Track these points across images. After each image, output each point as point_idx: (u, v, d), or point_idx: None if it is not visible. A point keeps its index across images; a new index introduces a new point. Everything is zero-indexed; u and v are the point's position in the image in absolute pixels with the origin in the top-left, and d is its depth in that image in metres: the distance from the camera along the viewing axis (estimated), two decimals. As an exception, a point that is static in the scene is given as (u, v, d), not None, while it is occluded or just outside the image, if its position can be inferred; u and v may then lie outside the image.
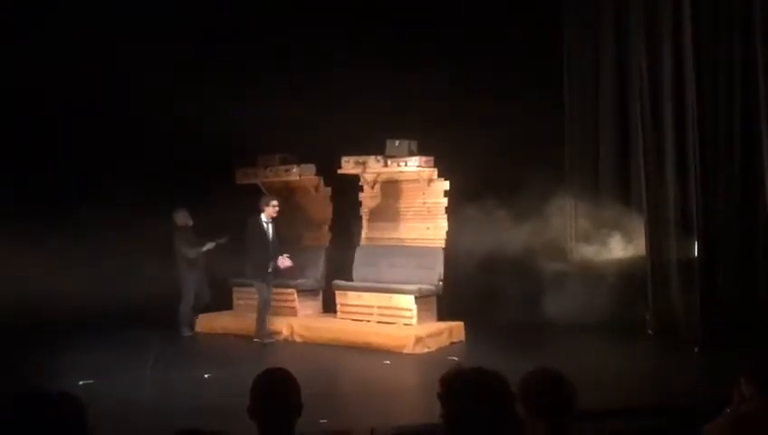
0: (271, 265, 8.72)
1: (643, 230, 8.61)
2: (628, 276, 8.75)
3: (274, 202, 8.89)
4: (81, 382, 6.46)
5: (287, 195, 10.21)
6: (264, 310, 8.72)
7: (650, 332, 8.48)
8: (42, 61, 8.75)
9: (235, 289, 9.94)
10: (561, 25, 9.79)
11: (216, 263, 9.39)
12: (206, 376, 6.99)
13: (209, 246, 9.23)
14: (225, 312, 9.83)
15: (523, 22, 9.20)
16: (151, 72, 8.65)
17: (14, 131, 9.08)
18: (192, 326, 9.43)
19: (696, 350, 7.51)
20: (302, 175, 9.74)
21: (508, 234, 8.63)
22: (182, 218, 9.33)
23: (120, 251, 9.11)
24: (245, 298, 9.79)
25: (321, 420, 5.07)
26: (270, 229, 8.83)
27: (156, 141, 9.58)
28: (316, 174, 9.89)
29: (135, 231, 9.03)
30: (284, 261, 8.73)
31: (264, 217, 8.81)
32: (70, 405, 2.02)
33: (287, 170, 9.77)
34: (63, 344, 7.99)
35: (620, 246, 8.84)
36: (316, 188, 10.05)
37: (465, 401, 2.19)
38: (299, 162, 9.73)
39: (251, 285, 9.41)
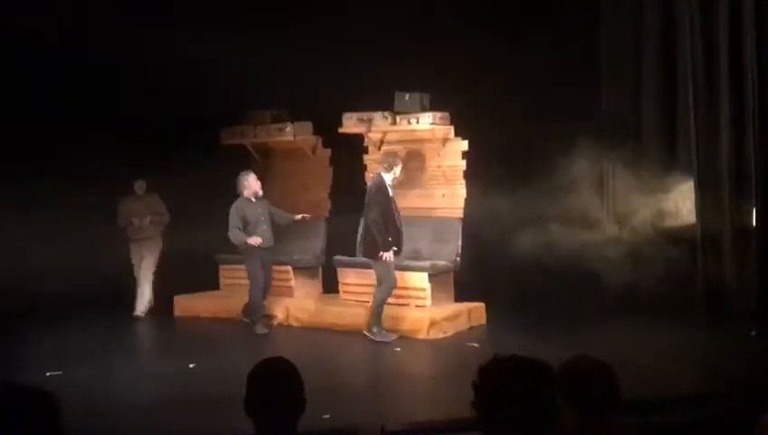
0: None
1: (692, 195, 8.59)
2: (675, 248, 8.73)
3: (400, 163, 8.37)
4: (48, 374, 6.54)
5: (280, 158, 10.21)
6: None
7: (700, 310, 8.50)
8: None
9: (222, 267, 9.98)
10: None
11: (201, 236, 9.40)
12: (190, 366, 7.07)
13: (254, 240, 8.57)
14: (209, 292, 9.89)
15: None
16: (121, 14, 8.61)
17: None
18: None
19: (753, 333, 7.54)
20: (297, 135, 9.72)
21: (536, 202, 8.61)
22: (250, 185, 8.71)
23: (88, 224, 9.14)
24: (233, 277, 9.84)
25: (324, 416, 5.13)
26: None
27: (129, 96, 9.56)
28: (313, 133, 9.87)
29: (100, 202, 9.12)
30: None
31: (388, 179, 8.24)
32: (42, 402, 2.03)
33: (280, 130, 9.74)
34: (28, 330, 8.08)
35: (666, 214, 8.82)
36: (314, 150, 10.03)
37: (508, 395, 2.25)
38: (293, 120, 9.70)
39: (239, 263, 9.47)
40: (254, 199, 8.74)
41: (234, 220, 8.60)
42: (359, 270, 8.96)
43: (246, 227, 8.63)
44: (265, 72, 8.83)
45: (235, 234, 8.60)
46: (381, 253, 7.95)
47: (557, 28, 8.95)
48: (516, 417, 2.23)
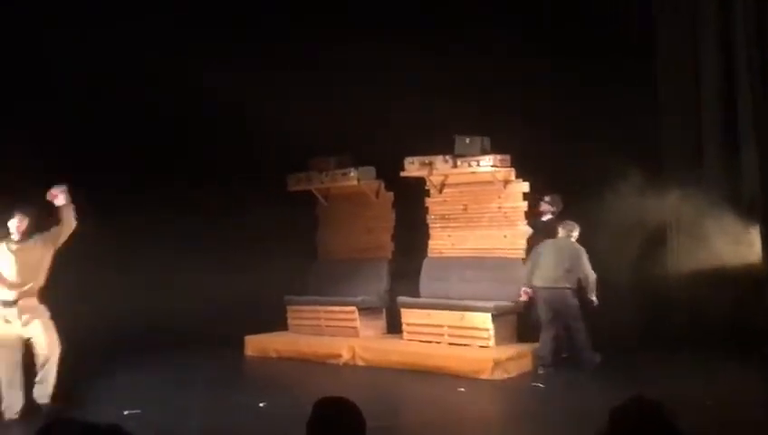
0: None
1: (758, 232, 8.36)
2: (742, 286, 8.48)
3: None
4: (126, 412, 6.67)
5: (344, 202, 10.34)
6: None
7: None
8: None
9: (289, 308, 10.10)
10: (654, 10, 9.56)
11: (269, 276, 9.56)
12: (260, 405, 7.12)
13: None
14: (278, 333, 10.00)
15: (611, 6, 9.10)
16: (190, 67, 8.91)
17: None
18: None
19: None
20: (360, 179, 9.83)
21: (598, 241, 8.48)
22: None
23: (166, 264, 9.41)
24: (301, 318, 9.95)
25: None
26: None
27: (198, 143, 9.88)
28: (376, 178, 9.97)
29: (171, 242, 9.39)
30: None
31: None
32: None
33: (344, 174, 9.88)
34: (102, 368, 8.28)
35: (731, 252, 8.58)
36: (377, 194, 10.12)
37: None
38: (357, 165, 9.83)
39: (306, 304, 9.67)
40: None
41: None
42: (421, 310, 8.97)
43: None
44: (328, 118, 9.01)
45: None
46: None
47: (614, 65, 8.89)
48: None
